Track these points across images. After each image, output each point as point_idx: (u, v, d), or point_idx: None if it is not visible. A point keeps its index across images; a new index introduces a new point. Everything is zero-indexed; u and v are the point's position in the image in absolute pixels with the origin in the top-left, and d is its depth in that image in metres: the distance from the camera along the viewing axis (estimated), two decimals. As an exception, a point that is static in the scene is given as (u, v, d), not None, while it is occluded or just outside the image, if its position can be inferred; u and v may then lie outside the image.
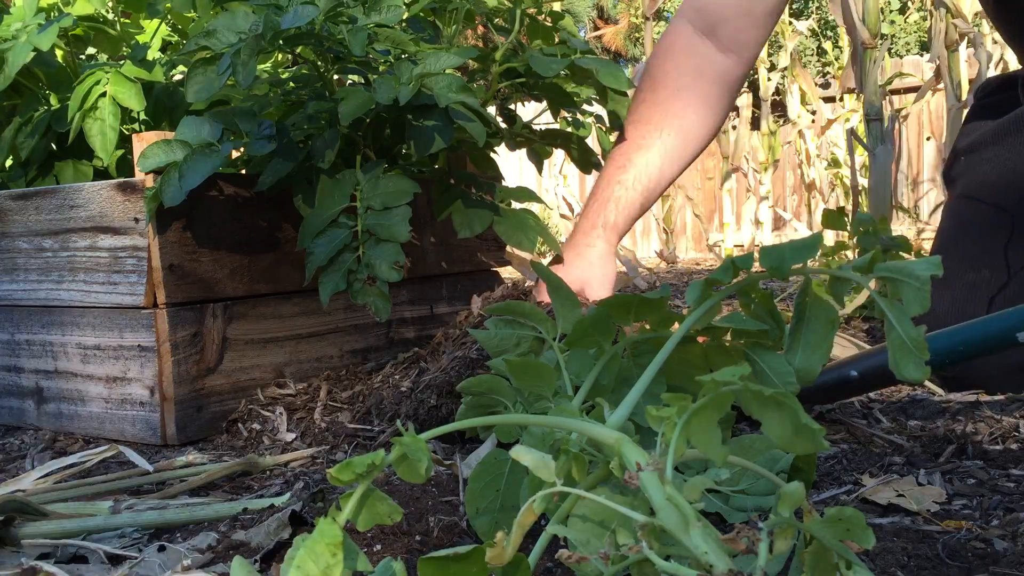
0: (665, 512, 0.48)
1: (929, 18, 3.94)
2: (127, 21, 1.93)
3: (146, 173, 1.32)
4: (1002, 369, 1.27)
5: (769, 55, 5.87)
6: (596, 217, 1.45)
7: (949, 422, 1.16)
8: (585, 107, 1.66)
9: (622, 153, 1.48)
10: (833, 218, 1.99)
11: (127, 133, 1.69)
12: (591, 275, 1.40)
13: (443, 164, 1.72)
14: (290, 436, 1.32)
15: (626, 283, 1.75)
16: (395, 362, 1.51)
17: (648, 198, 1.47)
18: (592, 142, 1.71)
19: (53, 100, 1.75)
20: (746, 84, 1.94)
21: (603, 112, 1.61)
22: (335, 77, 1.49)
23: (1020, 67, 1.68)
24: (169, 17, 1.84)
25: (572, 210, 5.47)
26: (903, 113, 5.75)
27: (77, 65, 1.79)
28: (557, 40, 1.61)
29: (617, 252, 1.54)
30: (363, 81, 1.51)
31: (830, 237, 5.84)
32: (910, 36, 13.90)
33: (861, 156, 4.98)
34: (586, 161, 1.69)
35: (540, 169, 1.77)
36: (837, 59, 6.35)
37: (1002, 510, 0.87)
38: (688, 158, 1.51)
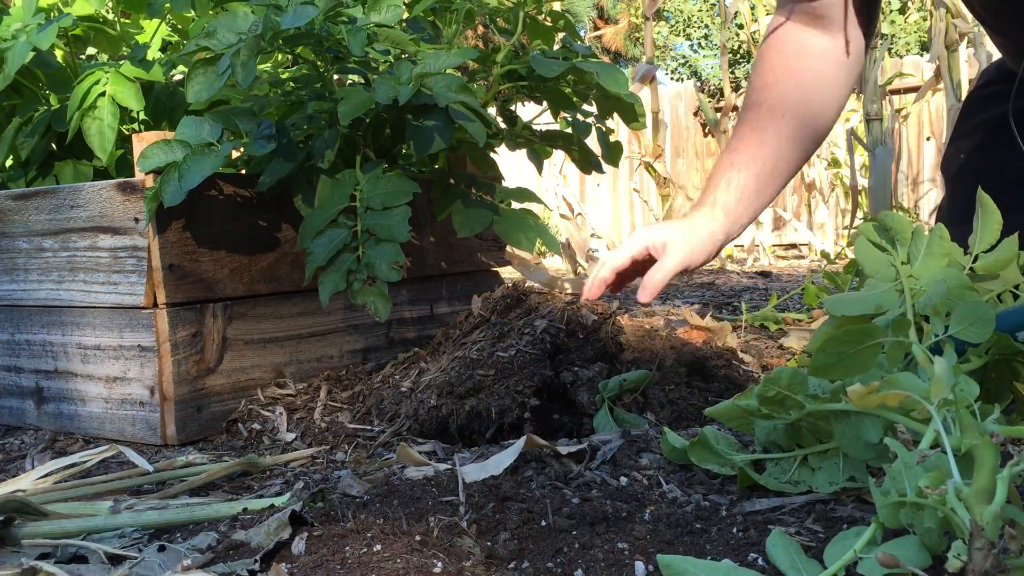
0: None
1: (929, 18, 3.94)
2: (127, 21, 1.93)
3: (146, 173, 1.32)
4: None
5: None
6: (705, 197, 1.42)
7: None
8: (585, 107, 1.66)
9: (736, 136, 1.45)
10: None
11: (127, 133, 1.69)
12: (673, 237, 1.33)
13: (443, 164, 1.72)
14: (290, 436, 1.32)
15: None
16: (395, 362, 1.51)
17: (765, 181, 1.40)
18: (592, 142, 1.71)
19: (53, 100, 1.75)
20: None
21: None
22: (335, 77, 1.49)
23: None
24: (169, 17, 1.84)
25: (572, 210, 5.47)
26: (903, 113, 5.76)
27: (77, 65, 1.79)
28: (558, 41, 1.61)
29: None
30: (363, 81, 1.51)
31: (831, 238, 5.83)
32: (910, 36, 13.90)
33: (861, 156, 4.98)
34: (586, 162, 1.69)
35: (540, 169, 1.77)
36: (837, 59, 6.33)
37: None
38: (807, 139, 1.44)
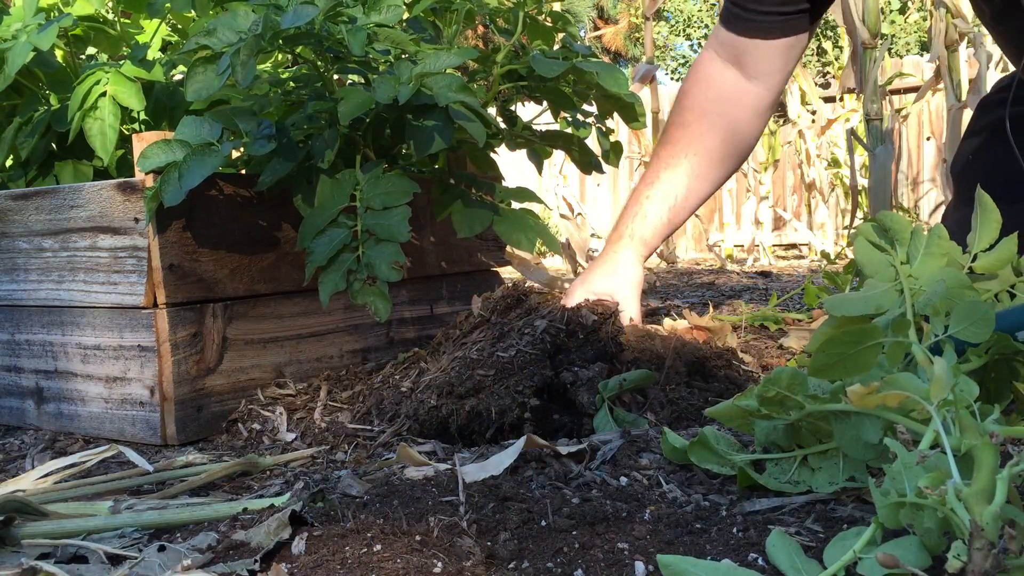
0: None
1: (929, 18, 3.94)
2: (127, 21, 1.93)
3: (146, 173, 1.32)
4: None
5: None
6: (624, 228, 1.57)
7: None
8: (585, 107, 1.66)
9: (652, 171, 1.60)
10: None
11: (127, 133, 1.69)
12: (617, 282, 1.50)
13: (443, 164, 1.72)
14: (290, 436, 1.32)
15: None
16: (395, 362, 1.51)
17: (676, 214, 1.57)
18: (592, 143, 1.71)
19: (53, 100, 1.75)
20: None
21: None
22: (335, 77, 1.49)
23: None
24: (169, 17, 1.84)
25: (572, 210, 5.47)
26: (903, 113, 5.76)
27: (77, 65, 1.79)
28: (558, 41, 1.61)
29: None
30: (363, 81, 1.51)
31: (829, 239, 5.83)
32: (910, 36, 13.91)
33: (861, 156, 4.98)
34: (586, 162, 1.69)
35: (540, 169, 1.77)
36: (837, 59, 6.35)
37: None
38: (716, 178, 1.60)
